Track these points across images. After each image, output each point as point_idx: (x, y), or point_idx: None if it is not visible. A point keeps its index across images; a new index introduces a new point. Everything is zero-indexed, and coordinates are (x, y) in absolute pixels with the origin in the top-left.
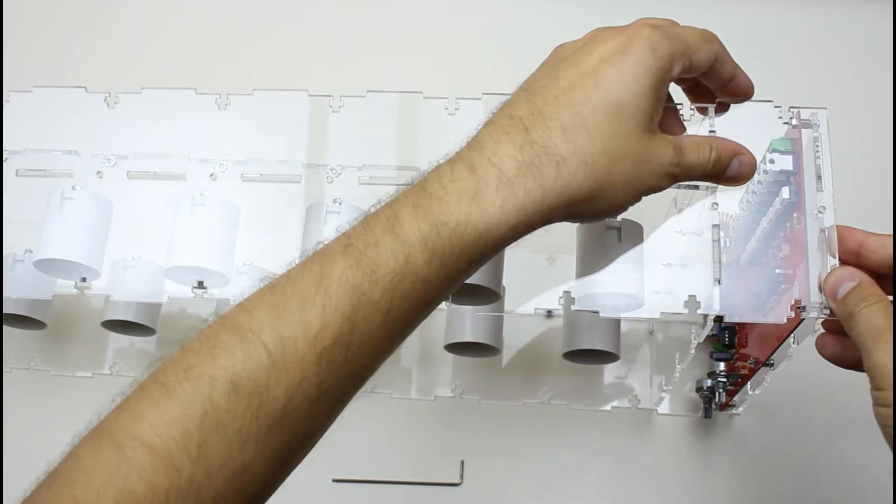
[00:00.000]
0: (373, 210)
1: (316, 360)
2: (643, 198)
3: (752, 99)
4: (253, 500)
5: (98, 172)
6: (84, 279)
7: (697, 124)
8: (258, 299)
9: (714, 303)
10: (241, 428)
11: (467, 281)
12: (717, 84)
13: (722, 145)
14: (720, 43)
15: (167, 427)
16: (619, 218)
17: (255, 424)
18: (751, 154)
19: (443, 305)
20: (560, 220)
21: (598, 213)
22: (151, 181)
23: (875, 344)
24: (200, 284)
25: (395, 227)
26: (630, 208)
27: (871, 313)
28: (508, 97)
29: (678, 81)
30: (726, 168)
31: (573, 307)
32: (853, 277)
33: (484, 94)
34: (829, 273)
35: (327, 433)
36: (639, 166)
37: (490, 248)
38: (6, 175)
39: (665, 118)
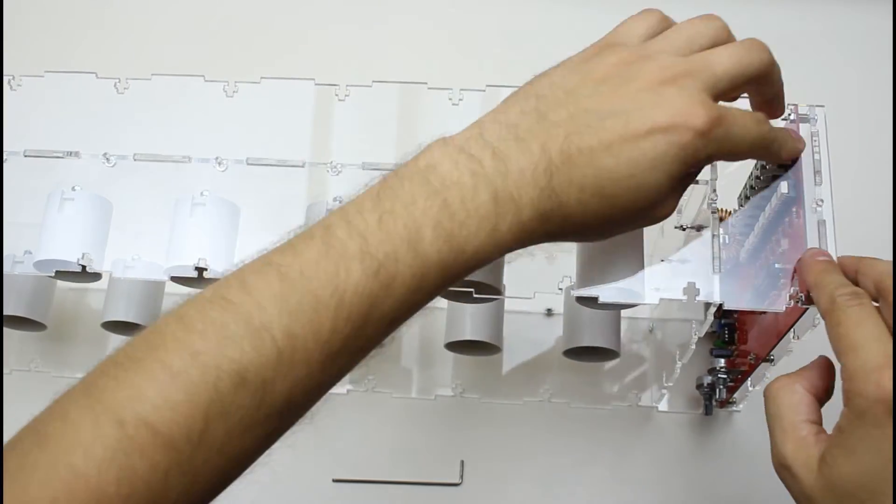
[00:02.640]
0: (387, 197)
1: (321, 361)
2: None
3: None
4: (233, 477)
5: (103, 154)
6: (83, 256)
7: None
8: (267, 288)
9: (714, 293)
10: (244, 418)
11: (469, 278)
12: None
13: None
14: (769, 124)
15: (171, 411)
16: None
17: (257, 415)
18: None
19: (443, 304)
20: None
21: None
22: (151, 182)
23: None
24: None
25: (417, 244)
26: None
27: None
28: (514, 89)
29: None
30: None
31: (573, 293)
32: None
33: (488, 85)
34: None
35: (327, 433)
36: (640, 221)
37: (484, 263)
38: (6, 176)
39: None
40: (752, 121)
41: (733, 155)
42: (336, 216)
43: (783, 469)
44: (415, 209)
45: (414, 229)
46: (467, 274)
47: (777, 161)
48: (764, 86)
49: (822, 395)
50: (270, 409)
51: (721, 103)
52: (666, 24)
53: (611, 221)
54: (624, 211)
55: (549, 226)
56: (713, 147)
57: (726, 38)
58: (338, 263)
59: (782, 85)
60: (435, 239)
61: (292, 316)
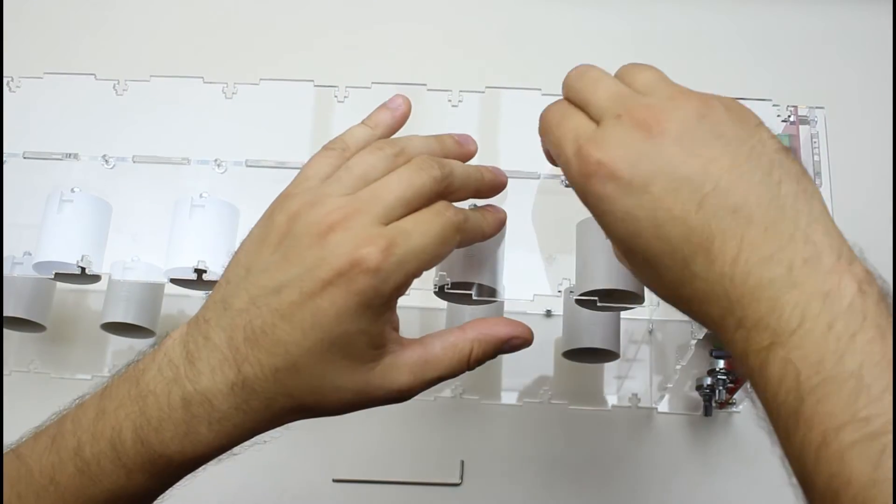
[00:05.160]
0: (107, 396)
1: None
2: None
3: (752, 97)
4: None
5: (102, 156)
6: (83, 258)
7: None
8: (7, 474)
9: None
10: None
11: (467, 279)
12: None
13: (489, 338)
14: (458, 232)
15: None
16: None
17: None
18: (526, 331)
19: (442, 305)
20: None
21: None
22: (150, 184)
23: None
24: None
25: (118, 446)
26: None
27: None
28: (513, 90)
29: None
30: (490, 357)
31: (572, 295)
32: None
33: (487, 87)
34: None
35: (328, 433)
36: (356, 396)
37: (206, 463)
38: (5, 178)
39: None
40: (429, 218)
41: (428, 263)
42: (73, 409)
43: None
44: (121, 412)
45: (118, 431)
46: (187, 469)
47: (482, 238)
48: (452, 192)
49: None
50: None
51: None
52: (343, 159)
53: (320, 392)
54: (325, 376)
55: (255, 414)
56: (396, 275)
57: (401, 162)
58: (57, 456)
59: (473, 178)
60: (134, 442)
61: (21, 500)
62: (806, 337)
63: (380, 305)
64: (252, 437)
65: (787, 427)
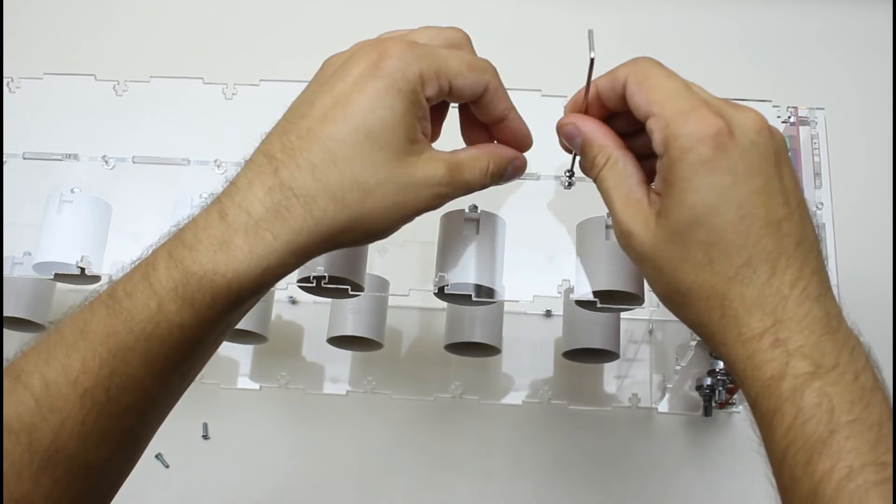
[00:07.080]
0: (146, 254)
1: (78, 401)
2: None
3: (752, 99)
4: None
5: (102, 156)
6: (83, 258)
7: None
8: (38, 344)
9: None
10: (14, 462)
11: (466, 280)
12: (488, 119)
13: (500, 155)
14: (495, 76)
15: None
16: None
17: (26, 459)
18: (523, 158)
19: (443, 306)
20: (326, 252)
21: (363, 240)
22: (150, 184)
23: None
24: None
25: (150, 275)
26: None
27: (604, 178)
28: (514, 90)
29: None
30: (501, 176)
31: (572, 296)
32: (577, 133)
33: None
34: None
35: (327, 433)
36: (400, 193)
37: (246, 291)
38: (5, 178)
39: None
40: (469, 55)
41: (447, 75)
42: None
43: (625, 236)
44: (157, 250)
45: (152, 263)
46: (223, 296)
47: (493, 116)
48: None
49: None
50: (39, 453)
51: None
52: None
53: (362, 188)
54: (366, 168)
55: (294, 221)
56: (422, 63)
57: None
58: (89, 310)
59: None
60: (167, 268)
61: (48, 363)
62: (841, 378)
63: (409, 91)
64: (289, 259)
65: (809, 452)
